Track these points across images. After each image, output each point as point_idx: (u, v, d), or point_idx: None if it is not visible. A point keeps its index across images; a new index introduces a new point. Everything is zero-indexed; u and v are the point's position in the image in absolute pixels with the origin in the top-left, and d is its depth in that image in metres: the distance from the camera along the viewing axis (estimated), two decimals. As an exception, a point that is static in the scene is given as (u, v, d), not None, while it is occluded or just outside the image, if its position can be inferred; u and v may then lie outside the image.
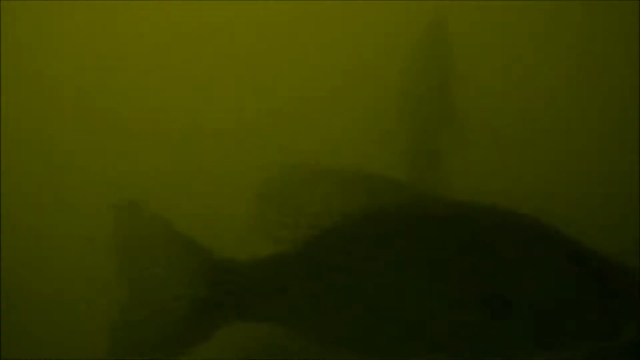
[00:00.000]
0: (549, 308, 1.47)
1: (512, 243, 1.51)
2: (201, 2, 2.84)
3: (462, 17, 2.77)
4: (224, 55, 2.85)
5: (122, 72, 2.83)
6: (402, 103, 2.76)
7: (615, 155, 2.76)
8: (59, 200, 2.77)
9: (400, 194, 1.54)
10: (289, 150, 2.80)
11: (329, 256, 1.53)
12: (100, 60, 2.84)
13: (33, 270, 2.70)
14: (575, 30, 2.81)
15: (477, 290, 1.47)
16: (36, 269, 2.71)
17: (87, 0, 2.82)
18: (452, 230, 1.51)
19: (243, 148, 2.80)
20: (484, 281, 1.48)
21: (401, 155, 2.76)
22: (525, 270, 1.49)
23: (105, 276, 2.70)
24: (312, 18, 2.82)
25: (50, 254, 2.73)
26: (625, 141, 2.75)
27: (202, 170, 2.77)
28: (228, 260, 1.56)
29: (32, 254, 2.72)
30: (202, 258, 1.56)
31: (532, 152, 2.80)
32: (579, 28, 2.81)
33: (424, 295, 1.49)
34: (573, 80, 2.80)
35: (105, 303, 2.71)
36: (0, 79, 2.77)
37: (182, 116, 2.82)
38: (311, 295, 1.53)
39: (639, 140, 2.74)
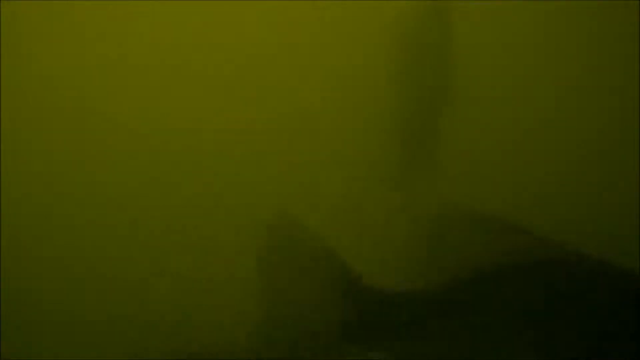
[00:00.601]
0: None
1: None
2: (198, 3, 2.84)
3: (461, 18, 2.77)
4: (219, 56, 2.85)
5: (124, 71, 2.83)
6: (399, 100, 2.76)
7: (615, 155, 2.76)
8: (61, 200, 2.77)
9: (551, 251, 1.53)
10: (286, 146, 2.80)
11: (470, 299, 1.52)
12: (102, 60, 2.84)
13: (33, 271, 2.71)
14: (575, 29, 2.81)
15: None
16: (36, 269, 2.71)
17: (88, 0, 2.82)
18: (592, 294, 1.49)
19: (241, 149, 2.80)
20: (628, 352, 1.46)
21: (398, 154, 2.77)
22: None
23: (108, 275, 2.70)
24: (307, 14, 2.81)
25: (51, 254, 2.73)
26: (625, 141, 2.75)
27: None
28: (377, 289, 1.56)
29: (32, 254, 2.72)
30: (353, 283, 1.55)
31: (531, 152, 2.79)
32: (578, 27, 2.81)
33: (555, 354, 1.48)
34: (572, 79, 2.80)
35: (105, 303, 2.72)
36: (0, 79, 2.77)
37: (181, 117, 2.82)
38: (448, 334, 1.52)
39: (639, 140, 2.74)
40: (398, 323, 1.52)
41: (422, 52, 2.77)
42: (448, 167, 2.74)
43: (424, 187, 2.74)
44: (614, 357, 1.45)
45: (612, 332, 1.45)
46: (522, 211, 2.66)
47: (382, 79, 2.77)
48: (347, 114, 2.79)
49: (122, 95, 2.82)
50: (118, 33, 2.83)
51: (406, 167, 2.77)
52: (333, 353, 1.54)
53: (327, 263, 1.56)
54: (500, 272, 1.51)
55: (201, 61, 2.83)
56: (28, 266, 2.71)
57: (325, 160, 2.78)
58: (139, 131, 2.80)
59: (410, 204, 2.73)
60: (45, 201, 2.76)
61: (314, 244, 1.58)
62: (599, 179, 2.73)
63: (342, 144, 2.79)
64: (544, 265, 1.50)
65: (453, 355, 1.51)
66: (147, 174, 2.78)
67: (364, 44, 2.78)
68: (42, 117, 2.80)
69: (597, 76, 2.79)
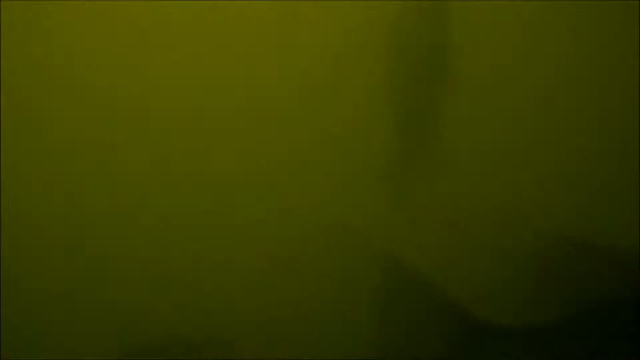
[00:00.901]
0: None
1: None
2: (198, 3, 2.84)
3: (461, 18, 2.77)
4: (220, 55, 2.85)
5: (124, 71, 2.83)
6: (400, 99, 2.76)
7: (616, 155, 2.76)
8: (61, 200, 2.77)
9: None
10: (286, 146, 2.80)
11: (588, 333, 1.51)
12: (102, 60, 2.84)
13: (33, 271, 2.71)
14: (575, 29, 2.81)
15: None
16: (36, 269, 2.71)
17: (88, 0, 2.82)
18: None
19: (241, 149, 2.80)
20: None
21: (398, 153, 2.77)
22: None
23: (108, 275, 2.70)
24: (307, 14, 2.82)
25: (51, 253, 2.73)
26: (625, 141, 2.75)
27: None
28: (482, 321, 1.55)
29: (32, 254, 2.72)
30: (462, 319, 1.55)
31: (531, 152, 2.79)
32: (578, 27, 2.81)
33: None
34: (572, 79, 2.80)
35: (105, 302, 2.72)
36: (0, 79, 2.77)
37: (181, 117, 2.82)
38: None
39: (639, 140, 2.74)
40: (499, 355, 1.50)
41: (422, 51, 2.77)
42: (448, 167, 2.74)
43: (424, 187, 2.74)
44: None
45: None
46: (522, 211, 2.66)
47: (382, 79, 2.77)
48: (347, 114, 2.80)
49: (122, 95, 2.82)
50: (118, 33, 2.83)
51: (406, 166, 2.77)
52: None
53: (436, 298, 1.56)
54: (607, 307, 1.49)
55: (201, 61, 2.83)
56: (28, 266, 2.71)
57: (325, 160, 2.78)
58: (140, 131, 2.80)
59: (410, 204, 2.73)
60: (45, 201, 2.76)
61: (424, 283, 1.59)
62: (599, 179, 2.73)
63: (342, 144, 2.79)
64: None
65: None
66: (147, 174, 2.78)
67: (363, 44, 2.78)
68: (42, 117, 2.80)
69: (597, 76, 2.79)
